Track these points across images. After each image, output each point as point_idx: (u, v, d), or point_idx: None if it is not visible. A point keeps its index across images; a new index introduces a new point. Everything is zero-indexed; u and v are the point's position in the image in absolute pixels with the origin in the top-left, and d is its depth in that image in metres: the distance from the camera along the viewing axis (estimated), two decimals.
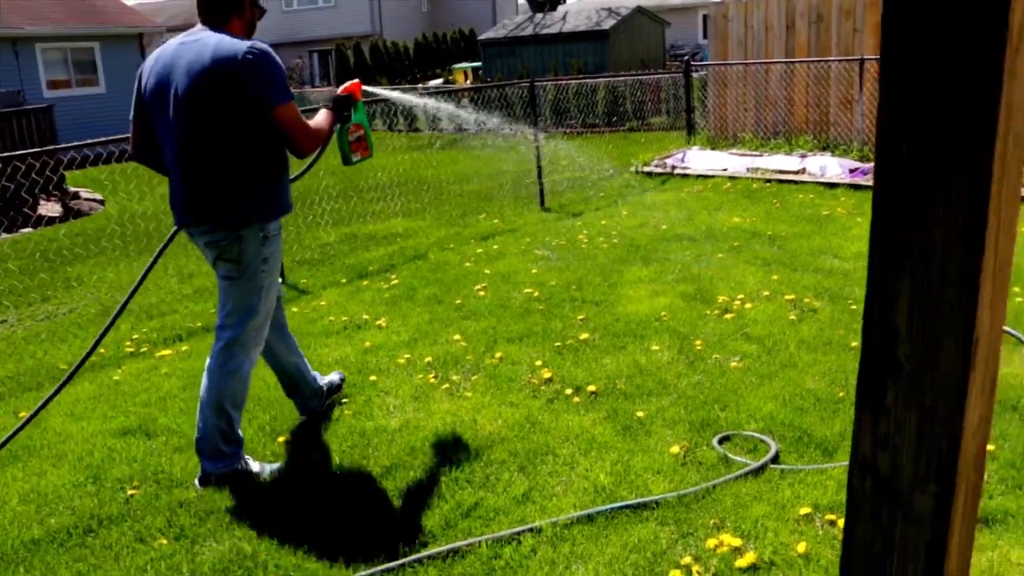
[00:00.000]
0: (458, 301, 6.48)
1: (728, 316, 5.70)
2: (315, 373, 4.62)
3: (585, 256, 7.58)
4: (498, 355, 5.27)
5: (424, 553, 3.28)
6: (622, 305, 6.08)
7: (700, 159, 11.70)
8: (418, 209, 10.74)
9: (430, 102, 10.27)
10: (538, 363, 5.08)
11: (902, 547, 1.56)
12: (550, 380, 4.84)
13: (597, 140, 16.70)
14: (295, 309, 6.64)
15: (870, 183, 9.81)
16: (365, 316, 6.33)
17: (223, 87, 3.57)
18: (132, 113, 3.90)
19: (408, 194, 11.51)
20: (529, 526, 3.39)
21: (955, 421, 1.40)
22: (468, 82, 28.64)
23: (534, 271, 7.20)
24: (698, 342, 5.25)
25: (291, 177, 4.07)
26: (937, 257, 1.33)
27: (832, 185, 9.92)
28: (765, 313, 5.69)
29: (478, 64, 28.88)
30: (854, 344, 5.05)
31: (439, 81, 30.81)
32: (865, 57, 10.99)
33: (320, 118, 3.98)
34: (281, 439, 4.35)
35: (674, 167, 11.64)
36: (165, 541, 3.52)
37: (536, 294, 6.49)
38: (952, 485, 1.46)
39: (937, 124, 1.24)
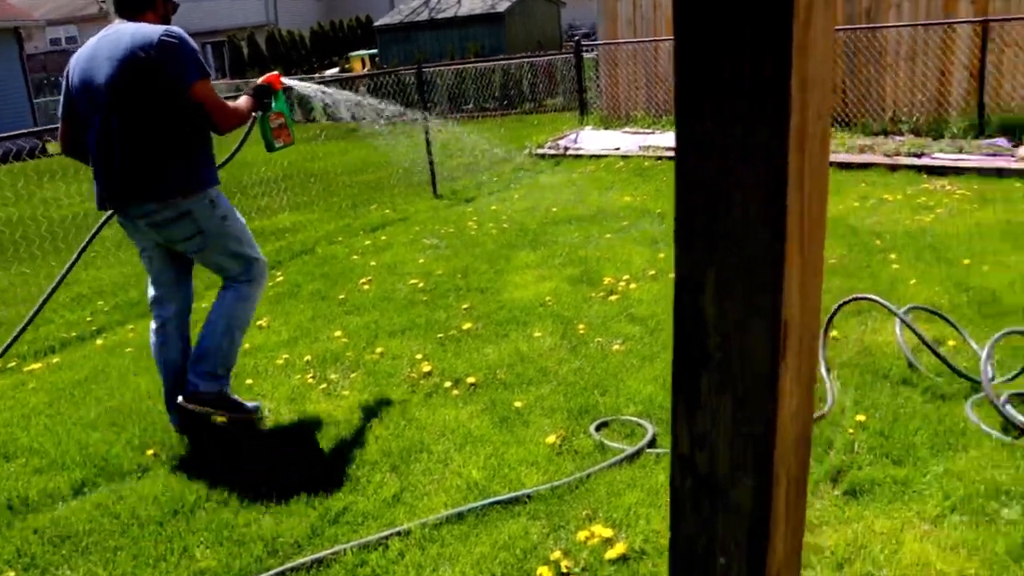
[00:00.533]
0: (342, 296, 6.32)
1: (613, 298, 5.64)
2: None
3: (474, 243, 7.47)
4: (379, 350, 5.13)
5: (288, 566, 3.14)
6: (508, 292, 5.99)
7: (593, 139, 11.68)
8: (306, 202, 10.49)
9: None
10: (418, 356, 4.96)
11: (724, 543, 1.49)
12: (429, 374, 4.72)
13: (492, 124, 16.59)
14: None
15: None
16: None
17: (143, 71, 3.76)
18: (61, 110, 4.09)
19: (296, 187, 11.23)
20: (397, 529, 3.27)
21: (768, 411, 1.32)
22: (365, 69, 28.22)
23: (421, 261, 7.07)
24: (581, 326, 5.19)
25: (218, 164, 4.26)
26: (738, 235, 1.24)
27: None
28: (650, 292, 5.66)
29: (374, 51, 28.47)
30: None
31: (335, 70, 30.32)
32: None
33: (240, 101, 4.19)
34: (150, 452, 4.15)
35: (567, 148, 11.60)
36: (13, 573, 3.31)
37: (421, 285, 6.36)
38: (769, 477, 1.38)
39: (731, 74, 1.14)
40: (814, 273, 1.30)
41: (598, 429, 3.91)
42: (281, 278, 7.05)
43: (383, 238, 8.08)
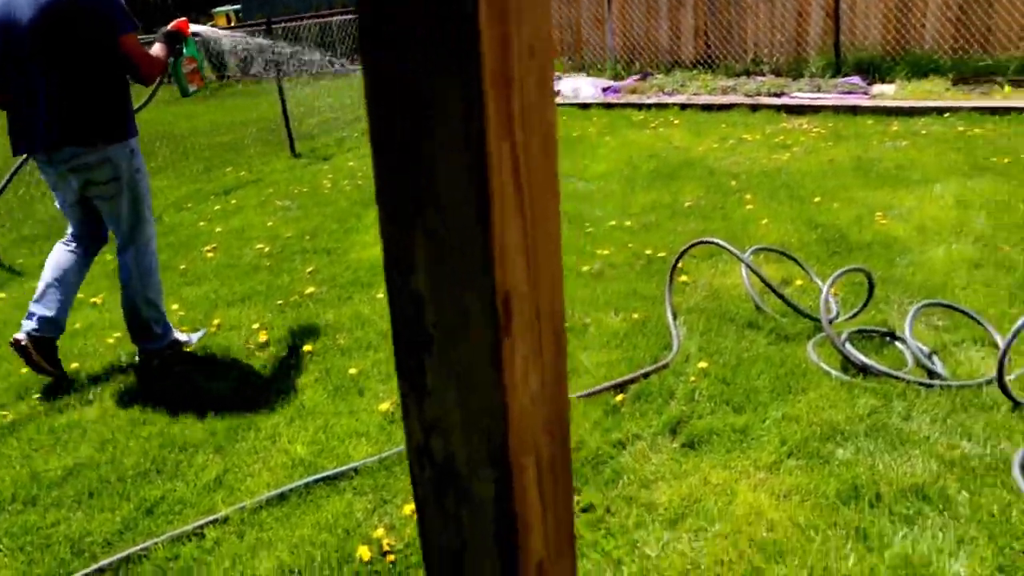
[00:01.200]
0: (183, 266, 5.95)
1: None
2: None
3: (326, 202, 7.16)
4: (216, 322, 4.82)
5: (92, 567, 2.87)
6: (355, 252, 5.73)
7: None
8: (158, 168, 9.93)
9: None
10: (255, 326, 4.67)
11: (473, 538, 1.29)
12: (266, 344, 4.45)
13: (360, 77, 16.11)
14: (3, 295, 5.93)
15: (622, 101, 9.79)
16: (80, 295, 5.70)
17: (68, 19, 3.83)
18: None
19: (146, 152, 10.66)
20: (213, 516, 3.02)
21: (496, 396, 1.12)
22: (231, 25, 27.19)
23: (270, 224, 6.73)
24: None
25: (134, 108, 4.33)
26: (443, 199, 1.02)
27: (585, 106, 9.84)
28: None
29: (238, 7, 27.45)
30: (584, 268, 4.90)
31: (205, 28, 29.05)
32: None
33: (156, 49, 4.28)
34: None
35: None
36: None
37: (268, 249, 6.04)
38: (508, 467, 1.18)
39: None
40: (547, 237, 1.10)
41: None
42: None
43: (233, 202, 7.68)
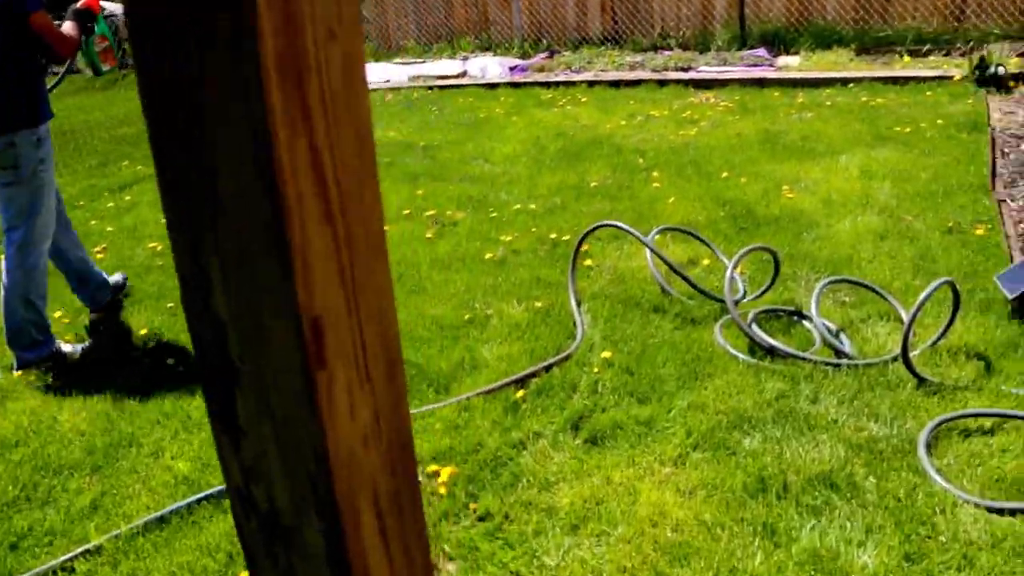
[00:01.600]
0: None
1: None
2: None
3: None
4: (101, 329, 4.55)
5: None
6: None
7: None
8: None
9: None
10: (143, 331, 4.42)
11: None
12: (154, 351, 4.21)
13: None
14: None
15: (529, 80, 9.64)
16: None
17: None
18: None
19: None
20: (85, 547, 2.80)
21: (315, 436, 0.95)
22: None
23: (163, 220, 6.41)
24: None
25: (48, 88, 4.29)
26: (235, 209, 0.84)
27: (493, 86, 9.65)
28: (403, 234, 5.29)
29: None
30: (488, 256, 4.74)
31: (116, 7, 28.12)
32: None
33: (68, 27, 4.11)
34: None
35: None
36: None
37: (160, 248, 5.76)
38: (337, 514, 1.01)
39: None
40: (368, 250, 0.92)
41: None
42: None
43: (127, 198, 7.33)
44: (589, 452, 2.93)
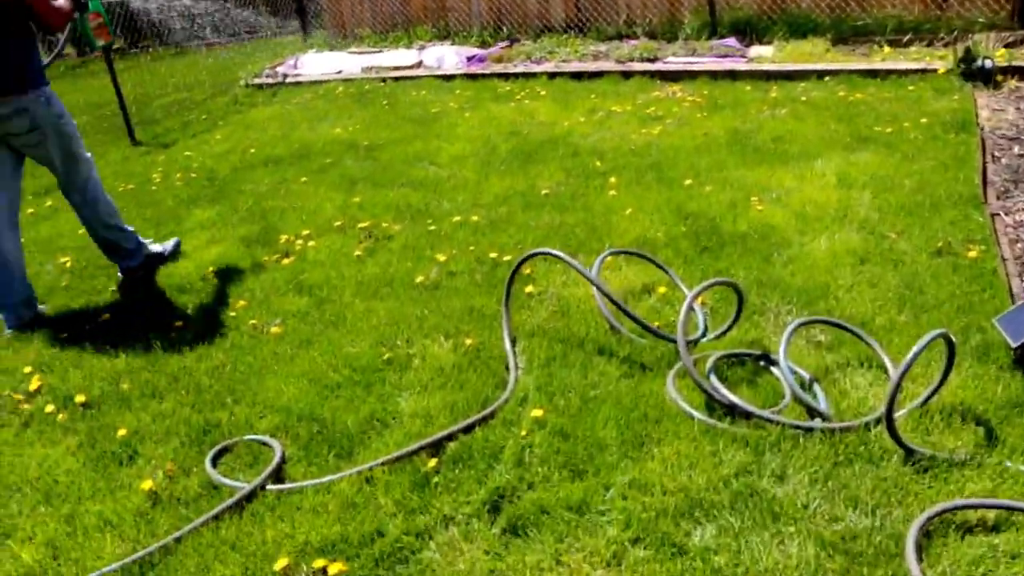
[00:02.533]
0: None
1: (286, 261, 4.69)
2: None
3: (150, 201, 6.29)
4: None
5: None
6: (170, 266, 4.90)
7: (315, 63, 10.50)
8: None
9: None
10: (28, 369, 3.86)
11: None
12: (37, 392, 3.66)
13: (218, 52, 14.95)
14: None
15: (487, 71, 9.08)
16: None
17: None
18: None
19: None
20: None
21: None
22: None
23: (81, 231, 5.81)
24: (241, 303, 4.23)
25: (44, 62, 4.45)
26: None
27: (449, 77, 9.08)
28: (330, 251, 4.74)
29: None
30: (419, 279, 4.21)
31: None
32: None
33: (60, 1, 4.19)
34: None
35: (286, 76, 10.38)
36: None
37: (70, 263, 5.18)
38: None
39: None
40: None
41: (218, 457, 3.00)
42: None
43: (48, 204, 6.71)
44: (508, 546, 2.41)
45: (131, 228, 4.76)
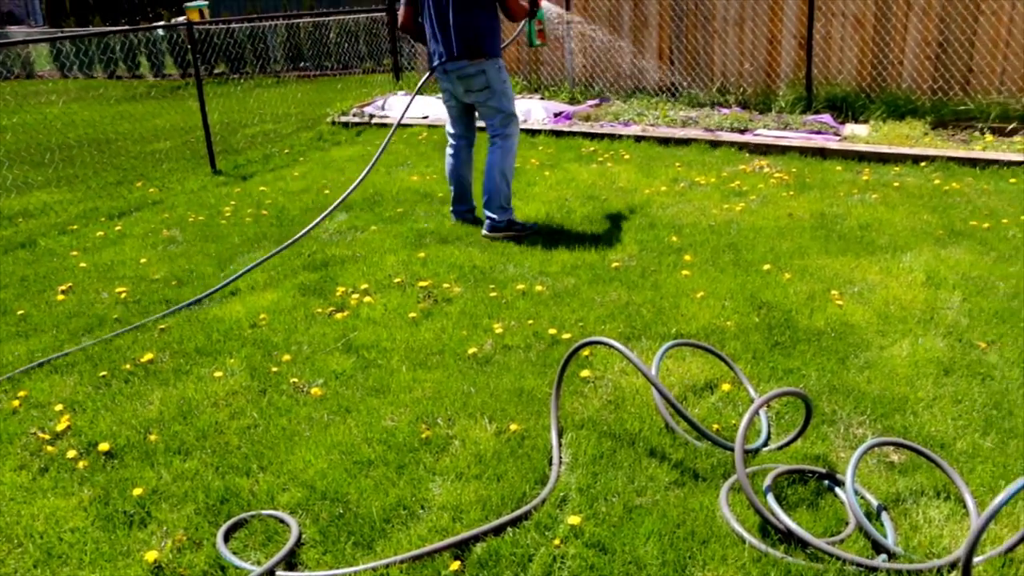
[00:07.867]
0: (21, 311, 5.01)
1: (340, 315, 4.55)
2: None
3: (217, 236, 6.24)
4: (21, 394, 3.92)
5: None
6: (221, 305, 4.81)
7: (402, 106, 10.51)
8: (71, 176, 8.94)
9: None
10: (59, 407, 3.76)
11: None
12: (62, 434, 3.55)
13: (321, 84, 15.10)
14: None
15: (573, 129, 8.93)
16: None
17: None
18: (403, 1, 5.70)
19: (72, 159, 9.65)
20: None
21: None
22: (203, 20, 26.15)
23: (143, 260, 5.80)
24: (286, 357, 4.08)
25: (504, 43, 5.92)
26: None
27: (534, 132, 8.96)
28: (386, 308, 4.58)
29: (206, 2, 26.45)
30: (472, 350, 4.02)
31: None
32: None
33: (523, 2, 5.60)
34: None
35: (372, 116, 10.39)
36: None
37: (125, 294, 5.12)
38: None
39: None
40: None
41: (231, 532, 2.83)
42: None
43: (118, 228, 6.72)
44: None
45: (511, 194, 5.73)
